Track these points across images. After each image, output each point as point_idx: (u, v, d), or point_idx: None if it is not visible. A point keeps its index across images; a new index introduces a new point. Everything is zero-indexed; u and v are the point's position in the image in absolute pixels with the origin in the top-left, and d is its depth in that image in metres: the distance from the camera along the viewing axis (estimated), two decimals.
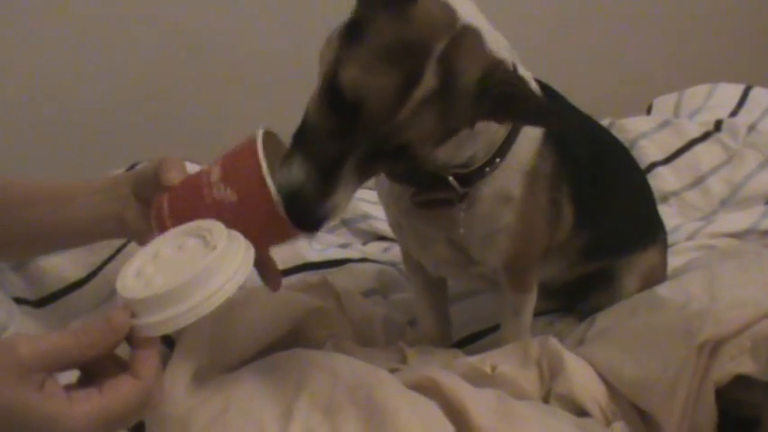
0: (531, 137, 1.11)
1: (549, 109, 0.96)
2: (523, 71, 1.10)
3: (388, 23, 0.88)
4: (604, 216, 1.28)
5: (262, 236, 0.94)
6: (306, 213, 0.87)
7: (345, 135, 0.88)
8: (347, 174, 0.88)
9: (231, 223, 0.91)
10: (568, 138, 1.17)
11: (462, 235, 1.12)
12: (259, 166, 0.88)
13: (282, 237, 0.96)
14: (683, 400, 0.98)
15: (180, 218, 0.94)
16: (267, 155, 0.91)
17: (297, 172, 0.87)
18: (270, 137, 0.94)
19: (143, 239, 1.08)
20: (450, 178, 1.07)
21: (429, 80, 0.87)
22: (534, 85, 1.12)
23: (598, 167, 1.24)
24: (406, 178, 1.11)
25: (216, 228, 0.86)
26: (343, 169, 0.88)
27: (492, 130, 1.06)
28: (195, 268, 0.81)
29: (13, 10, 2.08)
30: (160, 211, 0.96)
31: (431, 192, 1.10)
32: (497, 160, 1.08)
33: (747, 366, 0.97)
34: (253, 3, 2.22)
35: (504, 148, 1.08)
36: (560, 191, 1.16)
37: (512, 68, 0.95)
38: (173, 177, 0.96)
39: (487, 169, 1.08)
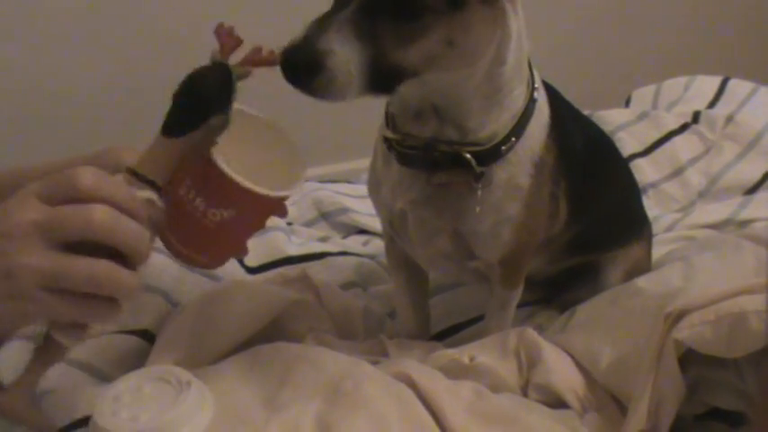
0: (541, 123, 1.13)
1: None
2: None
3: None
4: (594, 212, 1.29)
5: (269, 216, 0.99)
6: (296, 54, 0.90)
7: None
8: (343, 22, 0.91)
9: (240, 229, 0.95)
10: (568, 131, 1.19)
11: (471, 223, 1.13)
12: (239, 184, 0.89)
13: (278, 211, 1.00)
14: (647, 369, 0.99)
15: (196, 247, 0.96)
16: (232, 139, 0.92)
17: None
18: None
19: None
20: (468, 155, 1.07)
21: None
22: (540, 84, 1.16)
23: (591, 163, 1.26)
24: (422, 158, 1.11)
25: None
26: (333, 18, 0.91)
27: (515, 104, 1.09)
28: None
29: None
30: (174, 248, 0.97)
31: (445, 172, 1.10)
32: (513, 139, 1.09)
33: (705, 337, 0.97)
34: None
35: (518, 129, 1.10)
36: (559, 185, 1.18)
37: None
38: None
39: (503, 148, 1.09)
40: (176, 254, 0.97)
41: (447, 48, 0.96)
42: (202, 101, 0.86)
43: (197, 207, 0.91)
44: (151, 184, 0.85)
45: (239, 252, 1.03)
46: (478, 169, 1.08)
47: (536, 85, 1.12)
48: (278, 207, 0.99)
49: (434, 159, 1.09)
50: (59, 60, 2.19)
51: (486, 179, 1.09)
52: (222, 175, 0.89)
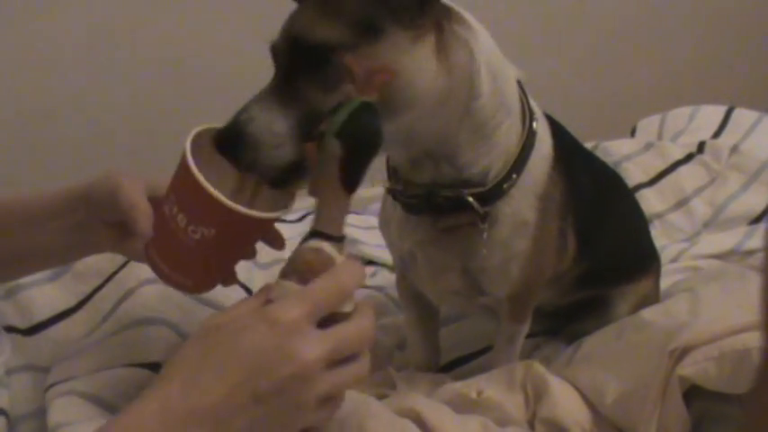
0: (543, 155, 1.13)
1: None
2: (531, 100, 1.13)
3: None
4: (602, 248, 1.29)
5: (251, 241, 0.99)
6: (223, 132, 0.91)
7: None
8: (264, 93, 0.93)
9: (221, 250, 0.93)
10: (575, 167, 1.19)
11: (479, 261, 1.13)
12: (211, 195, 0.88)
13: (265, 229, 0.99)
14: (652, 404, 1.00)
15: (178, 267, 0.96)
16: (211, 157, 0.92)
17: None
18: (207, 135, 0.94)
19: (133, 256, 1.10)
20: (470, 198, 1.07)
21: None
22: (540, 112, 1.16)
23: (600, 200, 1.26)
24: (425, 206, 1.11)
25: None
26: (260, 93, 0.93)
27: (506, 138, 1.08)
28: None
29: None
30: (157, 267, 0.97)
31: (450, 216, 1.10)
32: (514, 176, 1.09)
33: (709, 373, 0.98)
34: (239, 20, 2.23)
35: (518, 165, 1.09)
36: (566, 221, 1.18)
37: None
38: (146, 227, 0.97)
39: (505, 186, 1.09)
40: (160, 274, 0.97)
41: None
42: (374, 147, 0.88)
43: (179, 224, 0.92)
44: (340, 240, 0.85)
45: (226, 278, 1.02)
46: (482, 211, 1.08)
47: (534, 117, 1.12)
48: (263, 230, 0.98)
49: (438, 205, 1.10)
50: (63, 85, 2.20)
51: (492, 218, 1.10)
52: (199, 187, 0.88)
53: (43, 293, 1.35)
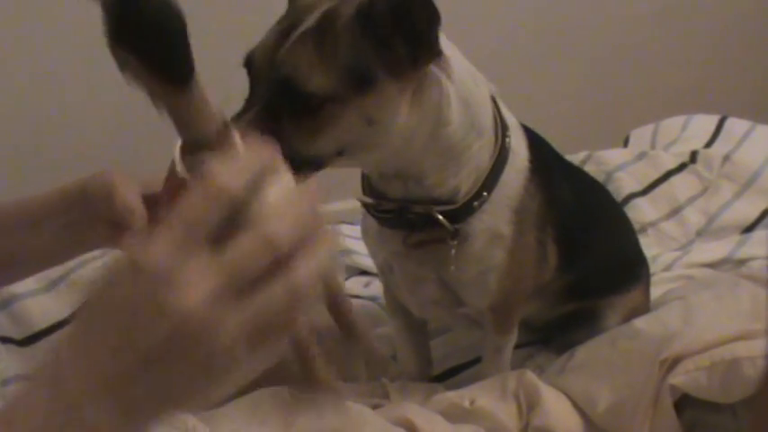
0: (517, 168, 1.13)
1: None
2: (506, 112, 1.13)
3: None
4: (587, 260, 1.30)
5: None
6: None
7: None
8: (243, 122, 0.92)
9: None
10: (554, 178, 1.19)
11: (454, 274, 1.13)
12: None
13: None
14: (644, 413, 1.00)
15: None
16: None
17: None
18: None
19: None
20: (440, 217, 1.08)
21: (308, 24, 0.95)
22: (516, 124, 1.15)
23: (582, 211, 1.26)
24: (397, 221, 1.12)
25: None
26: (239, 120, 0.92)
27: (477, 157, 1.08)
28: None
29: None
30: None
31: (422, 232, 1.11)
32: (485, 194, 1.09)
33: (700, 382, 0.99)
34: (241, 35, 2.23)
35: (489, 182, 1.09)
36: (545, 232, 1.18)
37: None
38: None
39: (475, 204, 1.09)
40: None
41: (367, 127, 0.97)
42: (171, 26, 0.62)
43: None
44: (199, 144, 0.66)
45: None
46: (451, 228, 1.09)
47: (508, 132, 1.12)
48: None
49: (409, 221, 1.11)
50: (61, 93, 2.20)
51: (463, 234, 1.10)
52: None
53: (38, 304, 1.35)
